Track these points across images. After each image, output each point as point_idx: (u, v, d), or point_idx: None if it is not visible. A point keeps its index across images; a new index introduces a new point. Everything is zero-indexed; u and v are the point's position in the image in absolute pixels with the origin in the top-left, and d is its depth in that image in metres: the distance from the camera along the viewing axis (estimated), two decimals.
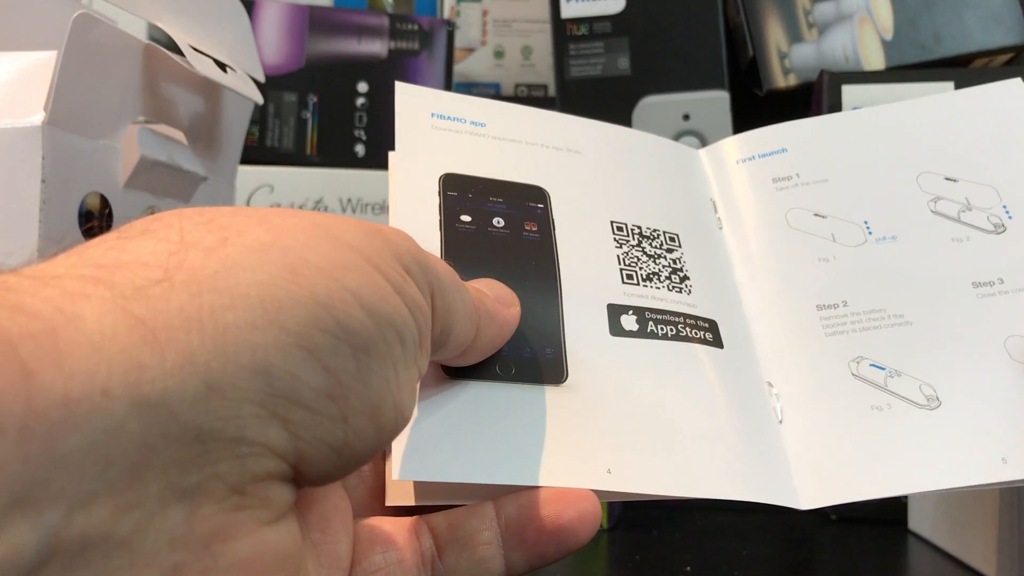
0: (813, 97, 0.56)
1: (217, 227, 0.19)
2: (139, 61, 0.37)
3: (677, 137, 0.58)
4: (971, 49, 0.56)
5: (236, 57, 0.43)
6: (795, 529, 0.50)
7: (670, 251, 0.31)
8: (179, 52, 0.38)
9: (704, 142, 0.58)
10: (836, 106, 0.53)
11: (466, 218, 0.28)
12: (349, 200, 0.61)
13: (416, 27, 0.69)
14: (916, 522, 0.48)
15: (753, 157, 0.36)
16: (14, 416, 0.14)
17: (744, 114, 0.60)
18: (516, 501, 0.24)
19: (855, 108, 0.53)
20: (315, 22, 0.68)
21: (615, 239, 0.30)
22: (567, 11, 0.59)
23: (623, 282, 0.29)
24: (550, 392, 0.25)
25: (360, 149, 0.67)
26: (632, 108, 0.58)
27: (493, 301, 0.25)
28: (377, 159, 0.67)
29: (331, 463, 0.18)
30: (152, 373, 0.16)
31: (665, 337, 0.28)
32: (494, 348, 0.25)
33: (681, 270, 0.31)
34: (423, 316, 0.21)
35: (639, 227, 0.31)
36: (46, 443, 0.14)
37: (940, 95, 0.36)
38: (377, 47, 0.69)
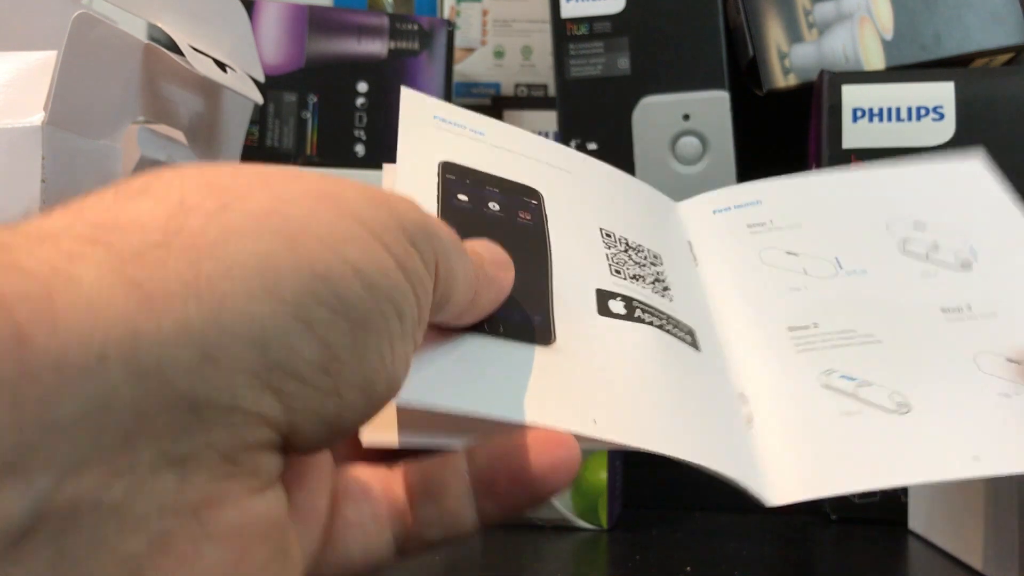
0: (813, 97, 0.56)
1: (218, 189, 0.18)
2: (139, 61, 0.37)
3: (677, 137, 0.58)
4: (971, 49, 0.56)
5: (236, 57, 0.43)
6: (795, 529, 0.50)
7: (654, 264, 0.32)
8: (179, 52, 0.38)
9: (704, 142, 0.58)
10: (836, 106, 0.53)
11: (463, 198, 0.29)
12: None
13: (416, 27, 0.69)
14: (916, 522, 0.48)
15: (729, 208, 0.37)
16: (7, 381, 0.14)
17: (744, 114, 0.60)
18: (488, 450, 0.23)
19: (855, 108, 0.53)
20: (315, 22, 0.68)
21: (604, 242, 0.31)
22: (567, 11, 0.59)
23: (611, 274, 0.30)
24: (539, 350, 0.26)
25: (360, 149, 0.67)
26: (632, 108, 0.58)
27: (491, 264, 0.25)
28: (377, 159, 0.67)
29: (321, 434, 0.18)
30: (148, 339, 0.15)
31: (651, 324, 0.29)
32: (490, 311, 0.25)
33: (663, 281, 0.31)
34: (424, 290, 0.21)
35: (626, 239, 0.32)
36: (39, 409, 0.14)
37: (908, 166, 0.37)
38: (377, 47, 0.69)
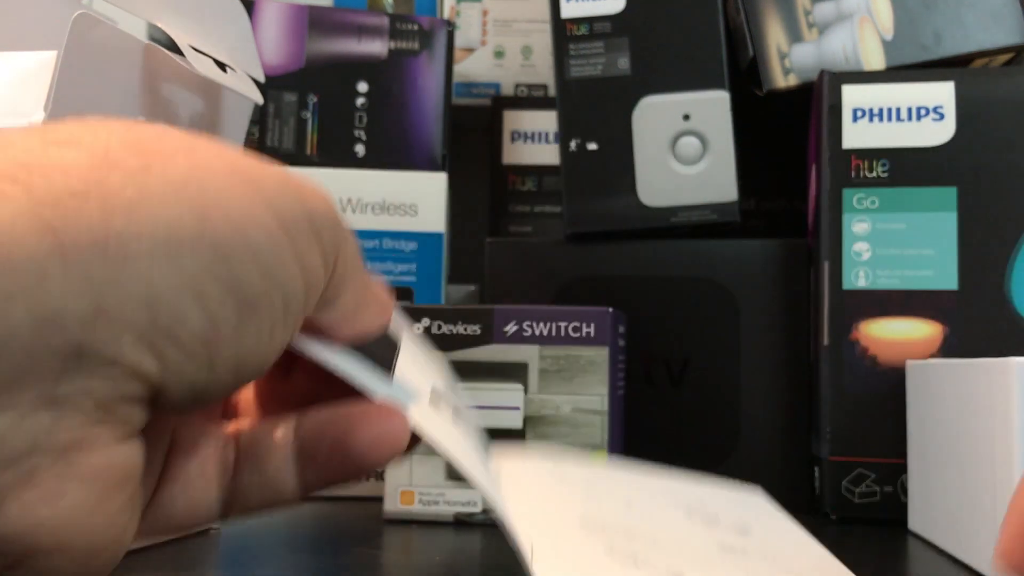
0: (813, 97, 0.56)
1: (143, 149, 0.19)
2: (139, 61, 0.37)
3: (677, 137, 0.58)
4: (971, 49, 0.56)
5: (236, 57, 0.43)
6: None
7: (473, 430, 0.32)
8: (179, 52, 0.38)
9: (704, 142, 0.58)
10: (836, 106, 0.53)
11: None
12: (349, 200, 0.61)
13: (416, 27, 0.69)
14: (916, 522, 0.48)
15: (537, 469, 0.39)
16: None
17: (744, 114, 0.60)
18: (315, 418, 0.24)
19: (855, 108, 0.53)
20: (315, 22, 0.68)
21: (441, 387, 0.31)
22: (567, 11, 0.59)
23: (443, 391, 0.30)
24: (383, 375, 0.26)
25: (360, 149, 0.67)
26: (632, 108, 0.58)
27: (379, 287, 0.25)
28: (377, 159, 0.67)
29: (187, 400, 0.19)
30: (53, 286, 0.16)
31: (467, 432, 0.29)
32: (368, 329, 0.25)
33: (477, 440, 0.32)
34: (316, 284, 0.21)
35: (455, 398, 0.32)
36: None
37: (700, 482, 0.42)
38: (377, 47, 0.69)
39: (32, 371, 0.16)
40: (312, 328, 0.24)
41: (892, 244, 0.52)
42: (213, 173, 0.19)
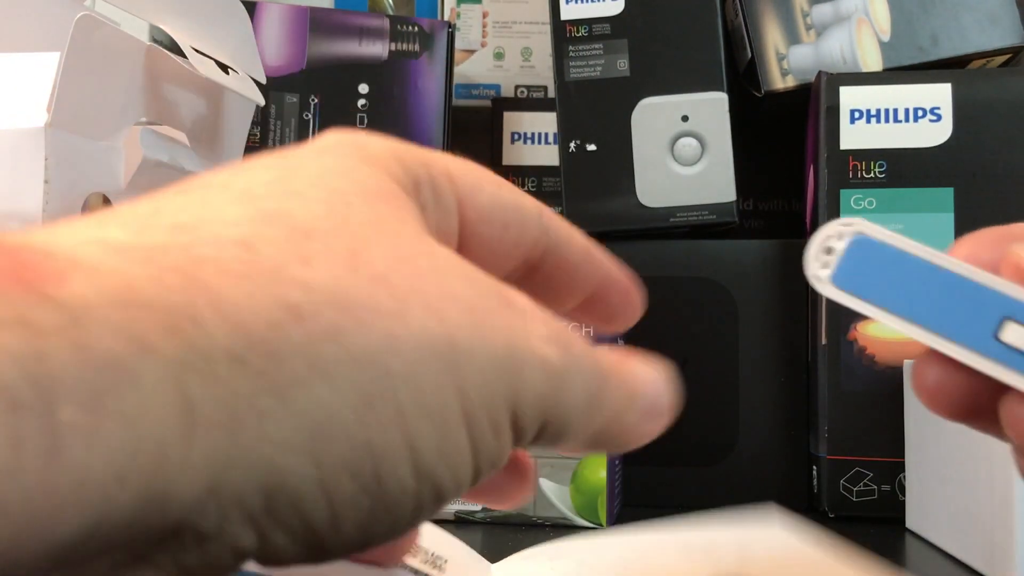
0: (811, 98, 0.56)
1: (348, 302, 0.15)
2: (141, 63, 0.37)
3: (676, 139, 0.58)
4: (968, 51, 0.56)
5: (238, 58, 0.44)
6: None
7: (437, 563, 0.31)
8: (181, 54, 0.39)
9: (703, 143, 0.58)
10: (834, 107, 0.53)
11: None
12: None
13: (416, 29, 0.70)
14: (913, 521, 0.48)
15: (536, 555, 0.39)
16: (13, 503, 0.12)
17: (743, 116, 0.60)
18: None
19: (852, 109, 0.53)
20: (316, 24, 0.69)
21: None
22: (567, 13, 0.60)
23: None
24: None
25: None
26: (631, 110, 0.58)
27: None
28: None
29: (278, 565, 0.16)
30: (169, 467, 0.14)
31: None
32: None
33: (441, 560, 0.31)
34: (490, 468, 0.17)
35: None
36: (31, 530, 0.12)
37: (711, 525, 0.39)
38: (378, 49, 0.69)
39: (116, 546, 0.14)
40: None
41: None
42: (413, 345, 0.16)
